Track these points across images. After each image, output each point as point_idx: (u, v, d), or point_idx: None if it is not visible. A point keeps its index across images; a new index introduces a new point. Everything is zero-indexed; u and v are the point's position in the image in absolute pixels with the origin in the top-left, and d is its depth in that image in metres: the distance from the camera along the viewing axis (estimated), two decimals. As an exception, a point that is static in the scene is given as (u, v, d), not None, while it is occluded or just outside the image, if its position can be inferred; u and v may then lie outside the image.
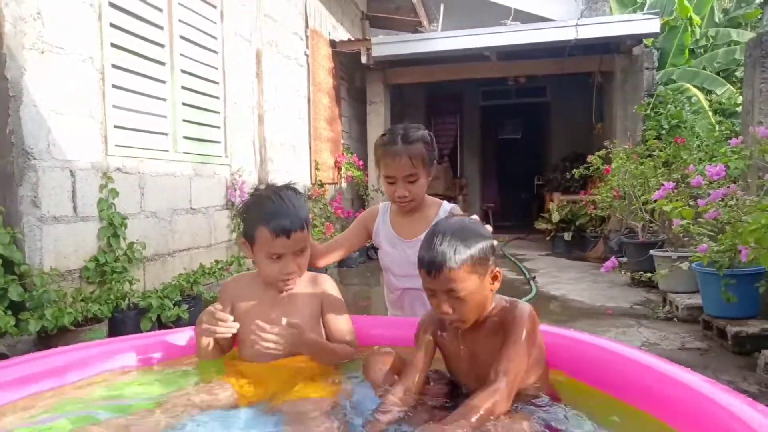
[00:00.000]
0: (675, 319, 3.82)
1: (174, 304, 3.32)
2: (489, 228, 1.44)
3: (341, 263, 6.52)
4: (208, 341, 1.63)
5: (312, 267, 1.85)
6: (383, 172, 1.92)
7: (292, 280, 1.60)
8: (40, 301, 2.66)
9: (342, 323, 1.68)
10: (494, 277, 1.34)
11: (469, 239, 1.28)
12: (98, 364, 1.67)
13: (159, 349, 1.78)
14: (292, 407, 1.37)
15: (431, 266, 1.26)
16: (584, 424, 1.27)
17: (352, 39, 7.70)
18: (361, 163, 7.69)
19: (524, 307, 1.35)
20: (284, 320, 1.54)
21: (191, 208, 4.17)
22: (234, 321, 1.55)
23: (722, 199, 2.92)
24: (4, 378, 1.49)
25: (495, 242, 1.35)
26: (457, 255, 1.25)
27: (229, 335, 1.57)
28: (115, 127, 3.37)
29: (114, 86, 3.35)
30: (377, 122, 7.80)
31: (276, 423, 1.34)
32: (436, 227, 1.34)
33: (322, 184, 6.57)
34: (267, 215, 1.54)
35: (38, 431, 1.31)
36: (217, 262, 4.19)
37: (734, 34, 7.64)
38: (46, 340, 2.61)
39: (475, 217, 1.50)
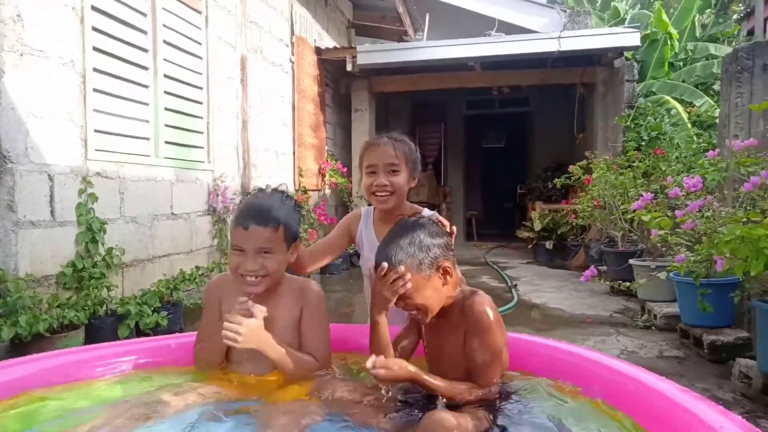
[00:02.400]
0: (653, 328, 3.87)
1: (153, 311, 3.28)
2: (446, 225, 1.50)
3: (323, 270, 6.49)
4: (222, 351, 1.62)
5: (299, 273, 1.85)
6: (365, 164, 1.87)
7: (254, 280, 1.53)
8: (14, 307, 2.61)
9: (315, 334, 1.63)
10: (444, 272, 1.40)
11: (410, 241, 1.38)
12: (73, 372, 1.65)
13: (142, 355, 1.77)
14: (264, 413, 1.38)
15: (379, 260, 1.39)
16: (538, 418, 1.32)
17: (338, 47, 7.71)
18: (345, 170, 7.69)
19: (484, 299, 1.39)
20: (259, 312, 1.49)
21: (172, 214, 4.12)
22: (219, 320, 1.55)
23: (699, 211, 2.97)
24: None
25: (442, 238, 1.42)
26: (399, 256, 1.36)
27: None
28: (96, 131, 3.33)
29: (95, 90, 3.32)
30: (362, 130, 7.82)
31: (265, 427, 1.34)
32: (391, 228, 1.48)
33: (305, 191, 6.56)
34: (239, 209, 1.59)
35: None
36: (198, 268, 4.15)
37: (712, 48, 7.83)
38: (19, 347, 2.56)
39: (432, 212, 1.56)
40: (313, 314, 1.65)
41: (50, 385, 1.57)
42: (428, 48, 7.28)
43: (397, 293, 1.36)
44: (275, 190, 1.67)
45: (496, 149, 13.14)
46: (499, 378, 1.39)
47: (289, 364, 1.54)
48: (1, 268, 2.66)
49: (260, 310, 1.49)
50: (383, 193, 1.83)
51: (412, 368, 1.31)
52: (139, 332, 3.16)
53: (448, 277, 1.41)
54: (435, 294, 1.39)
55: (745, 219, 2.45)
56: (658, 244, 4.03)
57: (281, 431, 1.28)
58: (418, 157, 1.94)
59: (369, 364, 1.28)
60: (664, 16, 7.37)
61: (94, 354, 1.75)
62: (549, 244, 7.38)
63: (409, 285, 1.34)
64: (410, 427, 1.26)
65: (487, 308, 1.37)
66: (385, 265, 1.36)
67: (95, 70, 3.32)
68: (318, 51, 7.16)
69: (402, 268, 1.34)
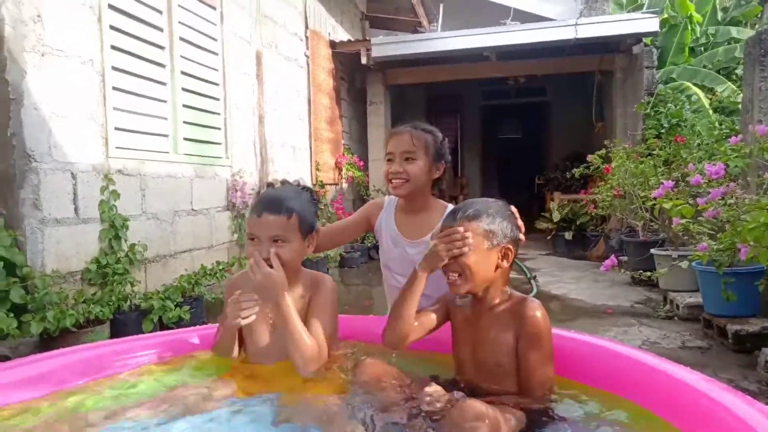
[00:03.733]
0: (675, 318, 3.82)
1: (175, 306, 3.33)
2: (518, 219, 1.52)
3: (342, 263, 6.52)
4: (233, 335, 1.63)
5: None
6: (386, 152, 1.90)
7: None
8: (42, 303, 2.67)
9: (317, 323, 1.59)
10: (504, 255, 1.40)
11: (490, 210, 1.40)
12: (101, 365, 1.68)
13: (162, 348, 1.80)
14: (301, 406, 1.39)
15: (449, 220, 1.40)
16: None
17: (352, 40, 7.71)
18: (361, 163, 7.70)
19: (536, 305, 1.38)
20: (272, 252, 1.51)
21: (192, 210, 4.18)
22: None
23: (722, 198, 2.92)
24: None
25: (515, 227, 1.43)
26: (473, 213, 1.38)
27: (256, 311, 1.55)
28: (116, 129, 3.38)
29: (114, 88, 3.36)
30: (377, 123, 7.81)
31: (284, 420, 1.35)
32: (467, 201, 1.51)
33: (323, 185, 6.58)
34: (255, 200, 1.62)
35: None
36: (218, 263, 4.20)
37: (734, 31, 7.63)
38: (48, 342, 2.63)
39: (512, 207, 1.56)
40: (320, 303, 1.62)
41: (72, 381, 1.61)
42: (443, 39, 7.23)
43: (453, 254, 1.37)
44: (290, 182, 1.69)
45: (512, 140, 13.03)
46: (549, 386, 1.37)
47: (293, 333, 1.51)
48: (29, 265, 2.72)
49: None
50: (398, 180, 1.83)
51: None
52: (162, 326, 3.22)
53: (505, 261, 1.41)
54: (486, 268, 1.38)
55: (770, 206, 2.40)
56: (680, 233, 3.97)
57: (302, 422, 1.29)
58: (442, 147, 1.91)
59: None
60: None
61: (112, 349, 1.78)
62: (568, 235, 7.31)
63: (466, 249, 1.35)
64: (439, 419, 1.25)
65: (541, 314, 1.37)
66: (458, 228, 1.37)
67: (114, 68, 3.36)
68: (332, 44, 7.16)
69: (469, 234, 1.36)
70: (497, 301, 1.42)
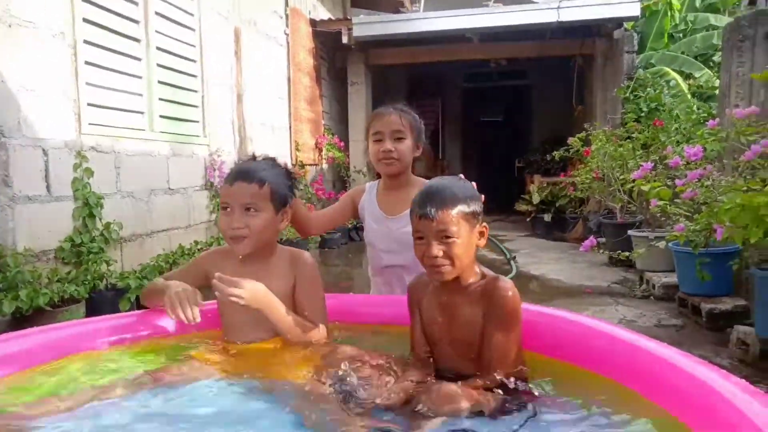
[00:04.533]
0: (651, 297, 3.90)
1: (153, 285, 3.28)
2: (425, 181, 1.53)
3: (322, 244, 6.50)
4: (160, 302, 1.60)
5: (303, 237, 1.85)
6: (371, 132, 1.95)
7: (241, 239, 1.53)
8: (14, 281, 2.61)
9: (311, 301, 1.61)
10: (481, 233, 1.38)
11: (462, 192, 1.36)
12: (76, 343, 1.64)
13: (137, 328, 1.76)
14: (284, 388, 1.37)
15: (427, 209, 1.32)
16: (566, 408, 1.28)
17: (333, 18, 7.59)
18: (342, 144, 7.63)
19: (508, 285, 1.35)
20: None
21: (169, 188, 4.10)
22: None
23: (699, 180, 2.96)
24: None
25: (482, 198, 1.41)
26: (453, 203, 1.32)
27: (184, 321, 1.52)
28: (89, 105, 3.28)
29: (87, 63, 3.26)
30: (358, 103, 7.74)
31: (267, 400, 1.33)
32: (431, 182, 1.43)
33: (303, 165, 6.52)
34: (229, 172, 1.60)
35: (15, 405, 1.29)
36: (196, 242, 4.15)
37: (712, 18, 7.71)
38: (21, 320, 2.56)
39: (461, 176, 1.53)
40: (308, 282, 1.62)
41: (53, 359, 1.57)
42: (425, 19, 7.17)
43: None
44: (265, 157, 1.68)
45: (494, 122, 13.05)
46: (515, 367, 1.34)
47: (292, 328, 1.54)
48: (0, 243, 2.65)
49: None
50: (388, 159, 1.92)
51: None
52: (139, 306, 3.16)
53: (483, 239, 1.39)
54: (470, 251, 1.36)
55: (745, 188, 2.45)
56: (657, 215, 4.03)
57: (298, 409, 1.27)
58: (422, 128, 2.04)
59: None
60: (665, -15, 7.25)
61: (89, 327, 1.74)
62: (547, 217, 7.38)
63: (459, 232, 1.31)
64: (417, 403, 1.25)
65: (512, 294, 1.33)
66: (440, 207, 1.31)
67: (86, 42, 3.25)
68: (313, 23, 7.04)
69: (454, 214, 1.32)
70: (471, 280, 1.39)
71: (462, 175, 1.53)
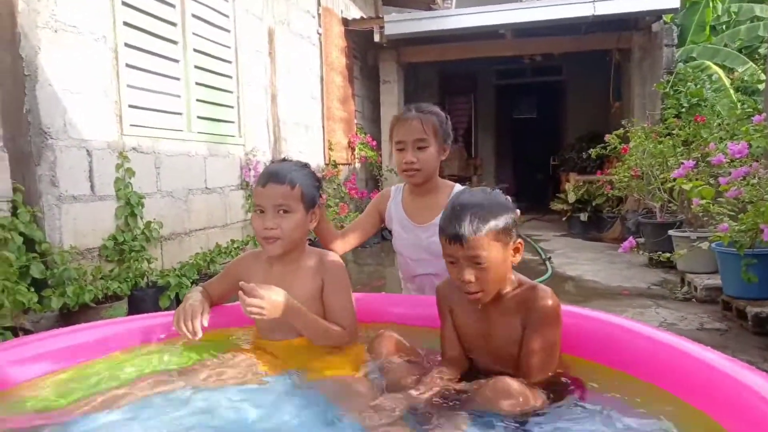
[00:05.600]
0: (693, 300, 3.78)
1: (192, 282, 3.35)
2: (456, 186, 1.47)
3: (355, 243, 6.51)
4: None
5: (326, 248, 1.85)
6: (394, 140, 1.89)
7: (273, 240, 1.54)
8: (61, 278, 2.70)
9: (339, 304, 1.60)
10: (516, 249, 1.32)
11: (493, 208, 1.27)
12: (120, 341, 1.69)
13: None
14: (328, 384, 1.38)
15: (456, 233, 1.25)
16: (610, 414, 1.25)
17: (365, 17, 7.60)
18: (374, 143, 7.64)
19: (547, 293, 1.31)
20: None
21: (206, 188, 4.18)
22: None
23: (744, 178, 2.86)
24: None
25: (517, 213, 1.34)
26: (483, 223, 1.24)
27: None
28: (130, 106, 3.37)
29: (128, 65, 3.35)
30: (390, 102, 7.73)
31: (308, 399, 1.34)
32: (458, 196, 1.35)
33: (335, 165, 6.56)
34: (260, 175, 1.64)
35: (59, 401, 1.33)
36: (233, 241, 4.22)
37: (757, 9, 7.42)
38: (67, 316, 2.66)
39: (463, 188, 1.50)
40: (335, 284, 1.62)
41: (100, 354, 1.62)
42: (457, 16, 7.10)
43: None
44: (290, 160, 1.72)
45: (527, 120, 12.85)
46: (553, 372, 1.32)
47: (318, 333, 1.55)
48: (48, 241, 2.74)
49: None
50: (412, 170, 1.85)
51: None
52: (179, 302, 3.24)
53: (518, 255, 1.32)
54: (503, 270, 1.30)
55: (795, 186, 2.35)
56: (699, 214, 3.90)
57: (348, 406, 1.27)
58: (448, 128, 1.93)
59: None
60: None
61: (131, 326, 1.78)
62: (584, 216, 7.23)
63: (491, 257, 1.25)
64: (468, 399, 1.23)
65: (552, 302, 1.29)
66: (470, 231, 1.24)
67: (127, 45, 3.34)
68: (345, 22, 7.07)
69: (485, 237, 1.24)
70: (507, 290, 1.35)
71: (497, 189, 1.41)
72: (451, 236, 1.26)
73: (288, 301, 1.48)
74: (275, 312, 1.45)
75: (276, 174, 1.57)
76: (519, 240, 1.33)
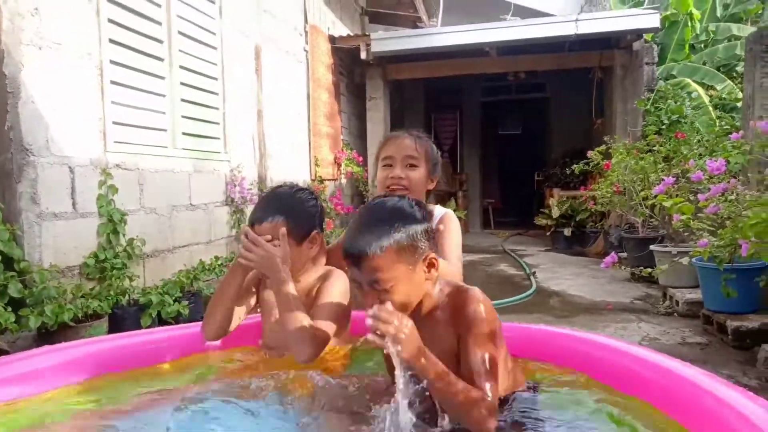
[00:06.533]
0: (675, 314, 3.82)
1: (174, 301, 3.32)
2: (437, 208, 1.39)
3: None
4: (234, 281, 1.60)
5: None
6: (381, 157, 1.77)
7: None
8: (40, 297, 2.66)
9: (319, 311, 1.54)
10: (430, 264, 1.19)
11: (394, 223, 1.14)
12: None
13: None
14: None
15: (353, 253, 1.13)
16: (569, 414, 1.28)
17: (352, 35, 7.67)
18: (360, 159, 7.67)
19: (475, 295, 1.21)
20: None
21: (191, 204, 4.16)
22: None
23: (722, 194, 2.91)
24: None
25: (427, 223, 1.21)
26: (379, 241, 1.11)
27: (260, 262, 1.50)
28: (114, 123, 3.36)
29: (112, 82, 3.34)
30: (377, 118, 7.78)
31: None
32: (361, 210, 1.25)
33: (321, 180, 6.56)
34: None
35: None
36: (216, 258, 4.19)
37: (735, 29, 7.61)
38: (46, 336, 2.61)
39: (445, 211, 1.46)
40: (325, 290, 1.59)
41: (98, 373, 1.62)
42: (443, 34, 7.20)
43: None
44: (286, 185, 1.69)
45: (512, 136, 13.01)
46: (498, 382, 1.18)
47: (290, 313, 1.46)
48: (27, 259, 2.71)
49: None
50: (398, 187, 1.70)
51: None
52: (161, 321, 3.20)
53: (433, 270, 1.20)
54: (417, 288, 1.18)
55: (771, 202, 2.40)
56: (680, 230, 3.96)
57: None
58: (439, 159, 1.84)
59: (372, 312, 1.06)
60: (686, -4, 7.19)
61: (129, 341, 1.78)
62: (567, 231, 7.31)
63: (391, 277, 1.13)
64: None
65: (481, 305, 1.19)
66: (364, 251, 1.11)
67: (112, 62, 3.34)
68: (332, 39, 7.13)
69: (383, 257, 1.12)
70: (431, 307, 1.24)
71: (409, 199, 1.26)
72: (346, 255, 1.16)
73: (278, 264, 1.50)
74: (261, 262, 1.49)
75: (258, 210, 1.59)
76: (432, 255, 1.19)
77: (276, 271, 1.47)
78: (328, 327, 1.51)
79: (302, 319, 1.46)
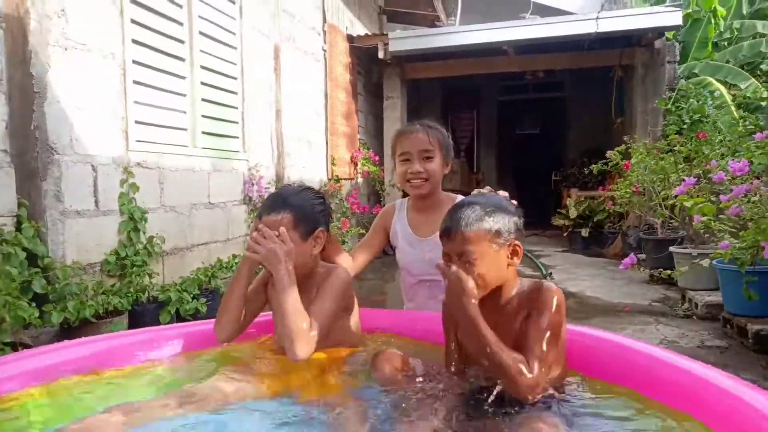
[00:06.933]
0: (694, 317, 3.77)
1: (192, 298, 3.37)
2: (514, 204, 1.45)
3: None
4: (244, 278, 1.65)
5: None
6: (398, 153, 1.89)
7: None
8: (63, 293, 2.72)
9: (314, 308, 1.54)
10: (513, 252, 1.34)
11: (489, 209, 1.32)
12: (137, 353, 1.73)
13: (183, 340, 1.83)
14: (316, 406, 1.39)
15: (448, 228, 1.32)
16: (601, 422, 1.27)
17: (370, 34, 7.69)
18: (377, 158, 7.69)
19: (552, 288, 1.32)
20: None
21: (209, 203, 4.21)
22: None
23: (745, 195, 2.87)
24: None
25: (518, 219, 1.37)
26: (474, 219, 1.30)
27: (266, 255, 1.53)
28: (136, 122, 3.41)
29: (135, 82, 3.40)
30: (393, 117, 7.79)
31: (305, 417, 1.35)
32: (462, 199, 1.43)
33: (338, 180, 6.59)
34: None
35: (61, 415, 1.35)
36: (234, 256, 4.24)
37: (760, 26, 7.47)
38: (68, 331, 2.67)
39: (502, 192, 1.52)
40: (324, 288, 1.60)
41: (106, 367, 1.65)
42: (461, 33, 7.18)
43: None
44: (290, 185, 1.73)
45: (530, 135, 12.91)
46: (549, 371, 1.27)
47: (288, 307, 1.47)
48: (50, 256, 2.77)
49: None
50: (418, 180, 1.85)
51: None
52: (179, 318, 3.26)
53: (515, 258, 1.34)
54: (497, 269, 1.32)
55: (794, 204, 2.36)
56: (701, 231, 3.91)
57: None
58: (450, 144, 1.96)
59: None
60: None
61: (138, 338, 1.81)
62: (585, 232, 7.24)
63: (478, 252, 1.28)
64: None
65: (555, 297, 1.29)
66: (458, 226, 1.30)
67: (135, 62, 3.40)
68: (350, 39, 7.15)
69: (474, 233, 1.29)
70: (509, 294, 1.37)
71: (502, 192, 1.50)
72: (442, 231, 1.33)
73: (282, 259, 1.52)
74: (265, 255, 1.53)
75: (266, 205, 1.62)
76: (517, 243, 1.34)
77: (278, 265, 1.50)
78: (323, 328, 1.52)
79: (298, 318, 1.47)
